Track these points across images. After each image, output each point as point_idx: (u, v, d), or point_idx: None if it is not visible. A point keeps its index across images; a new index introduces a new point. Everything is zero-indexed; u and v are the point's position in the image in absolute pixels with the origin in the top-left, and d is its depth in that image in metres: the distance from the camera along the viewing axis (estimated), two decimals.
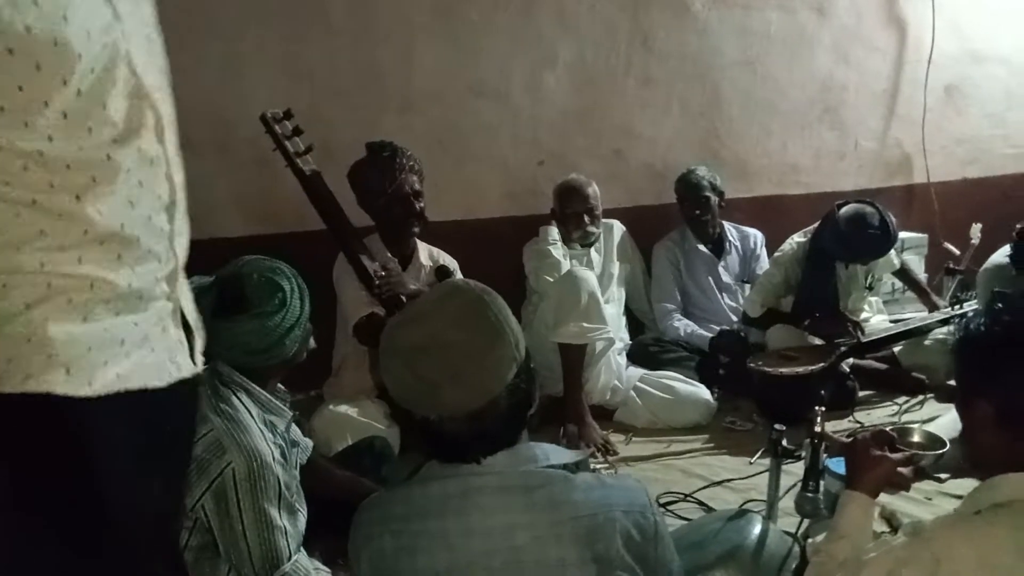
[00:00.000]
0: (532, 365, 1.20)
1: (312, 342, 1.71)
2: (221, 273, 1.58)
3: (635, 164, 3.71)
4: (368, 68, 3.13)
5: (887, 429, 1.56)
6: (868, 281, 3.39)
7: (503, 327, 1.14)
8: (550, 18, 3.42)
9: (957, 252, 3.89)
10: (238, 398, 1.56)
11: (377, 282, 2.55)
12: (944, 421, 2.64)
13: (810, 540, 1.49)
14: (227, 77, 2.92)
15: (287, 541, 1.53)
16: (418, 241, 2.91)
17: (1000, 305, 1.19)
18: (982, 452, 1.21)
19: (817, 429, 1.72)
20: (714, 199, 3.48)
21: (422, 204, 2.78)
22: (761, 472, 2.58)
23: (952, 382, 3.15)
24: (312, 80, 3.03)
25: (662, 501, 2.42)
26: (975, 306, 3.22)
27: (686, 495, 2.46)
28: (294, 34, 3.01)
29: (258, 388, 1.60)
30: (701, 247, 3.56)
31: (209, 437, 1.48)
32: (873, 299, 3.59)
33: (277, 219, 2.99)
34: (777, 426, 1.92)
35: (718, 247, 3.59)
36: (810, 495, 1.71)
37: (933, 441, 2.17)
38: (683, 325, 3.46)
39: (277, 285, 1.56)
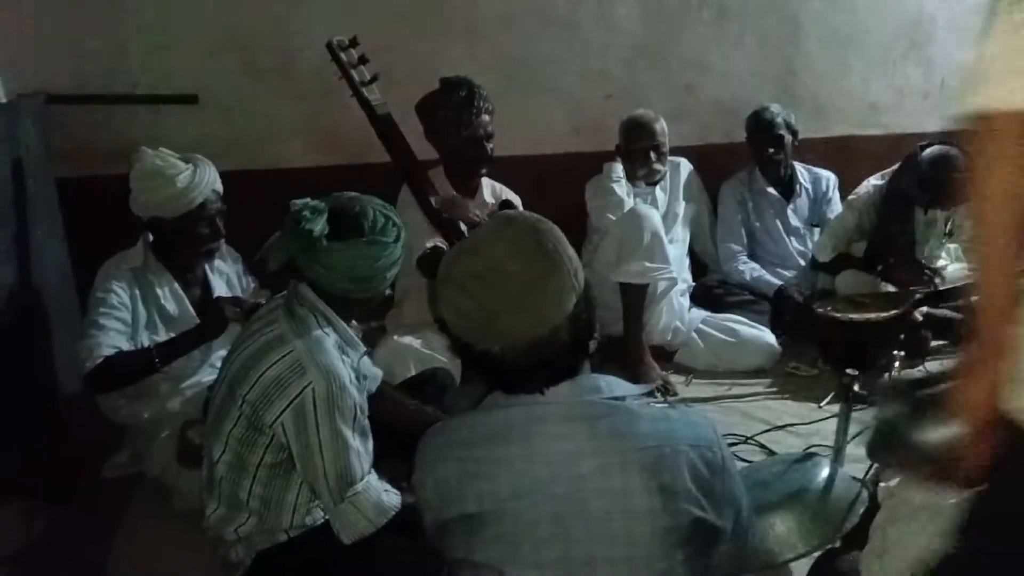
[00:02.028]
0: (592, 294, 1.17)
1: (389, 290, 1.73)
2: (333, 200, 1.60)
3: (705, 100, 3.58)
4: None
5: None
6: (948, 227, 3.24)
7: (560, 256, 1.12)
8: None
9: None
10: (317, 323, 1.58)
11: (437, 204, 2.54)
12: None
13: (882, 484, 1.45)
14: (290, 6, 2.89)
15: (360, 461, 1.55)
16: (482, 178, 2.88)
17: None
18: None
19: (894, 374, 1.66)
20: (788, 138, 3.34)
21: (492, 146, 2.75)
22: (824, 418, 2.54)
23: None
24: (376, 7, 2.99)
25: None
26: None
27: (747, 437, 2.44)
28: None
29: (337, 317, 1.61)
30: (770, 189, 3.44)
31: (289, 357, 1.50)
32: (952, 246, 3.43)
33: (340, 150, 3.00)
34: (849, 370, 1.86)
35: (788, 189, 3.46)
36: None
37: None
38: (748, 269, 3.37)
39: (394, 219, 1.61)
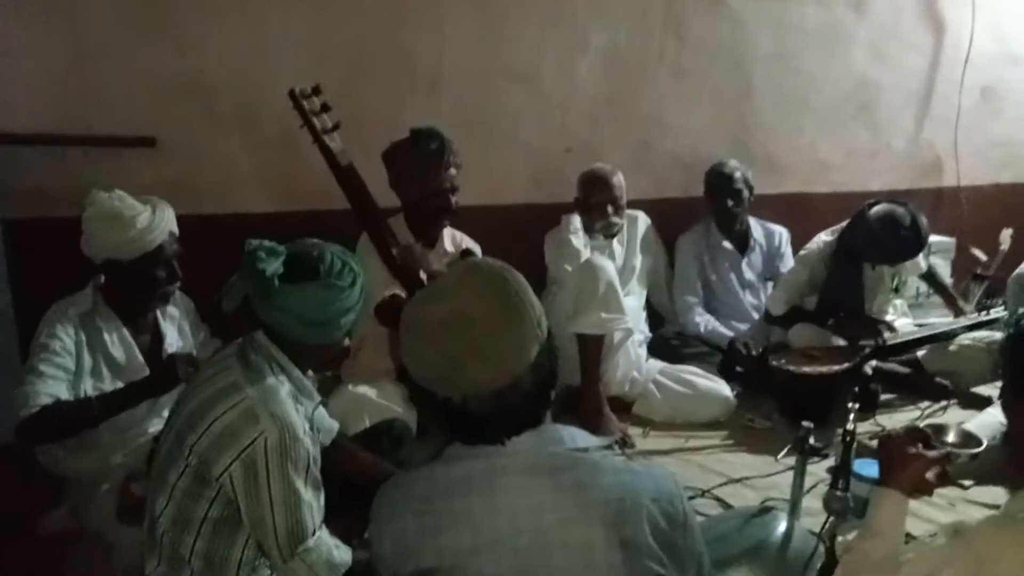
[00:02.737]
0: (554, 343, 1.17)
1: (348, 340, 1.70)
2: (292, 244, 1.59)
3: (663, 155, 3.66)
4: (398, 48, 3.10)
5: (922, 426, 1.52)
6: (894, 283, 3.34)
7: (524, 305, 1.12)
8: (584, 2, 3.37)
9: (984, 257, 3.83)
10: (271, 371, 1.54)
11: (396, 254, 2.53)
12: (972, 425, 2.59)
13: (840, 539, 1.46)
14: (254, 55, 2.89)
15: (312, 515, 1.51)
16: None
17: None
18: None
19: (849, 427, 1.68)
20: (746, 192, 3.42)
21: (457, 198, 2.76)
22: (780, 471, 2.55)
23: (975, 389, 3.14)
24: (341, 59, 3.00)
25: None
26: (1002, 313, 3.17)
27: (704, 491, 2.43)
28: (323, 13, 2.97)
29: (292, 365, 1.58)
30: (726, 243, 3.50)
31: (242, 406, 1.46)
32: (898, 302, 3.53)
33: (300, 196, 2.97)
34: (805, 423, 1.88)
35: (742, 243, 3.54)
36: (839, 493, 1.68)
37: (968, 440, 2.12)
38: (704, 321, 3.42)
39: (352, 265, 1.59)
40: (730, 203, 3.40)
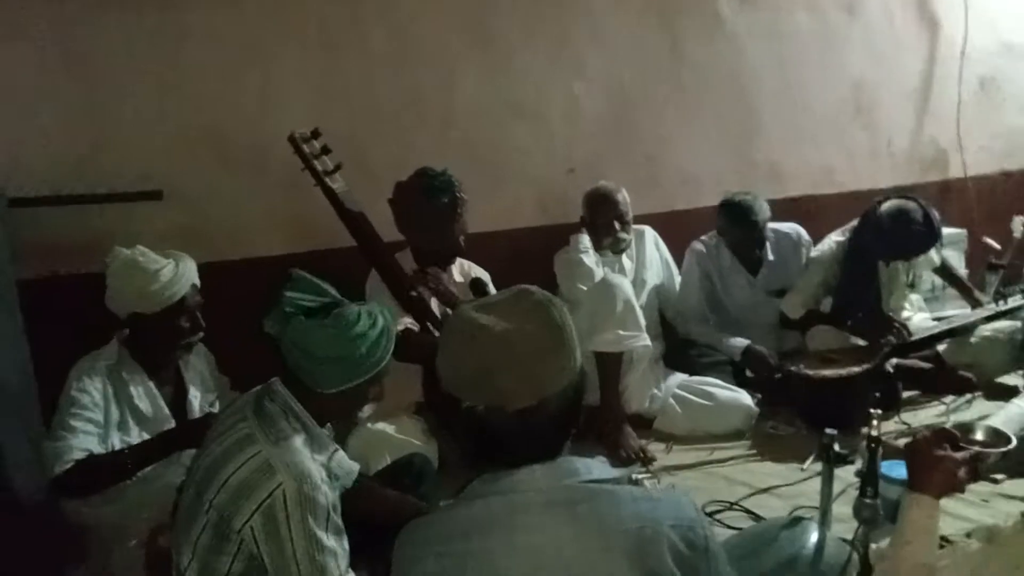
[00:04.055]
0: (584, 383, 1.18)
1: (371, 394, 1.69)
2: (328, 289, 1.62)
3: (667, 169, 3.67)
4: (408, 91, 3.15)
5: (948, 427, 1.50)
6: (909, 279, 3.30)
7: (568, 335, 1.14)
8: (583, 34, 3.42)
9: (998, 247, 3.81)
10: (287, 420, 1.55)
11: (412, 279, 2.58)
12: (999, 419, 2.56)
13: (873, 547, 1.44)
14: (261, 98, 2.93)
15: (337, 562, 1.50)
16: None
17: None
18: None
19: (873, 432, 1.66)
20: (767, 233, 3.31)
21: (464, 238, 2.78)
22: (807, 478, 2.53)
23: (999, 379, 3.10)
24: (349, 101, 3.04)
25: (708, 510, 2.37)
26: (1021, 301, 3.14)
27: (732, 503, 2.41)
28: (331, 56, 3.02)
29: (308, 415, 1.58)
30: (738, 265, 3.39)
31: (257, 459, 1.46)
32: (914, 297, 3.50)
33: (310, 237, 2.99)
34: (828, 430, 1.86)
35: (755, 265, 3.40)
36: (868, 501, 1.65)
37: (997, 437, 2.08)
38: (701, 331, 3.36)
39: (376, 314, 1.60)
40: (754, 249, 3.31)
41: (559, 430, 1.15)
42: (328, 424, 1.70)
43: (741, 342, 3.23)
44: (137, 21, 2.71)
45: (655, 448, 2.89)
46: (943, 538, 1.52)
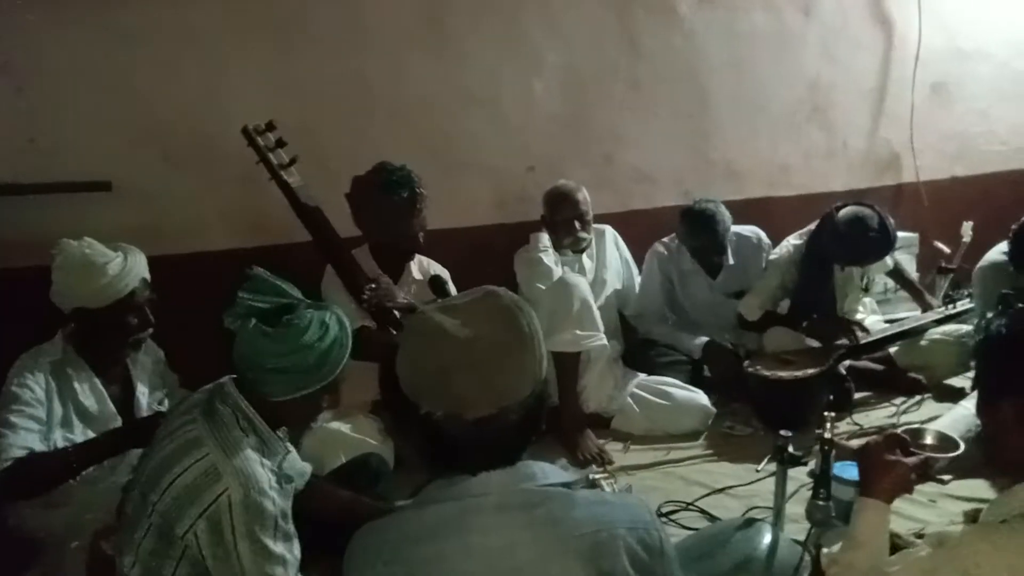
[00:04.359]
0: (547, 392, 1.16)
1: (324, 402, 1.65)
2: (287, 290, 1.56)
3: (624, 168, 3.67)
4: (356, 78, 3.08)
5: (898, 432, 1.52)
6: (864, 282, 3.37)
7: (533, 341, 1.11)
8: (537, 23, 3.39)
9: (948, 251, 3.89)
10: (237, 423, 1.51)
11: (366, 295, 2.50)
12: (946, 421, 2.62)
13: (825, 551, 1.45)
14: (208, 91, 2.85)
15: (285, 570, 1.47)
16: None
17: (1021, 305, 1.16)
18: (1010, 454, 1.18)
19: (827, 435, 1.68)
20: (728, 238, 3.34)
21: (423, 235, 2.75)
22: (762, 478, 2.55)
23: (948, 381, 3.17)
24: (298, 91, 2.97)
25: (664, 510, 2.38)
26: (969, 305, 3.22)
27: (688, 504, 2.43)
28: (277, 47, 2.95)
29: (258, 418, 1.54)
30: (697, 268, 3.43)
31: (204, 462, 1.42)
32: (867, 300, 3.57)
33: (264, 231, 2.93)
34: (783, 432, 1.88)
35: (715, 268, 3.44)
36: (821, 503, 1.67)
37: (946, 442, 2.13)
38: (662, 332, 3.40)
39: (327, 330, 1.54)
40: (715, 256, 3.34)
41: (518, 438, 1.13)
42: (285, 434, 1.66)
43: (702, 339, 3.27)
44: (75, 19, 2.62)
45: (612, 448, 2.89)
46: (892, 534, 1.54)
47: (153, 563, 1.45)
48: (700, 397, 3.05)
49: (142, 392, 2.21)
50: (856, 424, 2.95)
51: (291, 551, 1.51)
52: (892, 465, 1.39)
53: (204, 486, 1.40)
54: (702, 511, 2.40)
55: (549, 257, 3.09)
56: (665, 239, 3.48)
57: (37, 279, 2.05)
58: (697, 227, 3.28)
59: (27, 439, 1.89)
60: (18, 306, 2.19)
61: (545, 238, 3.15)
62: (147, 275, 2.12)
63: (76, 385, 2.06)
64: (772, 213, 3.83)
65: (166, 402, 2.24)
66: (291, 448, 1.69)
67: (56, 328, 2.10)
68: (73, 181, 2.67)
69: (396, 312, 2.59)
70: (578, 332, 2.83)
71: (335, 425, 2.52)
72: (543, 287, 2.98)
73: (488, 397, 1.08)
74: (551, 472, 1.15)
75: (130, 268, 2.04)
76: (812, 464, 2.31)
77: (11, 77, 2.60)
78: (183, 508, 1.40)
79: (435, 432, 1.10)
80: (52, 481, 1.90)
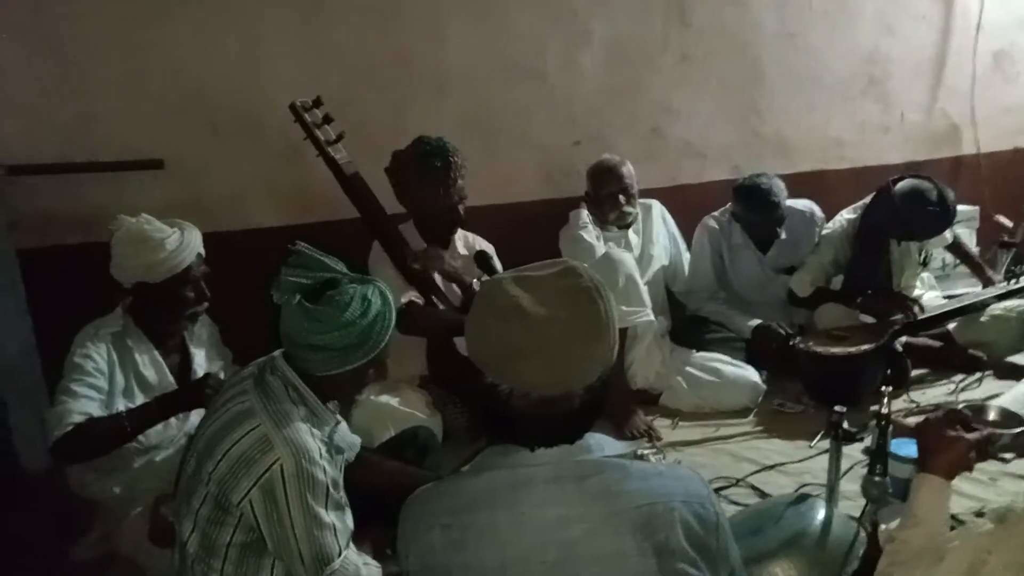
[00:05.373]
0: (614, 377, 1.14)
1: (372, 374, 1.64)
2: (331, 264, 1.56)
3: (673, 142, 3.61)
4: (398, 50, 3.07)
5: (960, 407, 1.48)
6: (922, 257, 3.27)
7: (608, 328, 1.09)
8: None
9: (1010, 224, 3.76)
10: (288, 395, 1.52)
11: (415, 263, 2.51)
12: (1008, 398, 2.54)
13: (883, 527, 1.42)
14: (250, 63, 2.86)
15: (336, 538, 1.49)
16: None
17: None
18: None
19: (883, 411, 1.63)
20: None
21: (464, 206, 2.74)
22: (814, 455, 2.51)
23: (1009, 359, 3.07)
24: (339, 66, 2.98)
25: (714, 487, 2.35)
26: None
27: (738, 480, 2.40)
28: (317, 19, 2.95)
29: (308, 391, 1.55)
30: (749, 243, 3.34)
31: (256, 432, 1.44)
32: (925, 275, 3.46)
33: (310, 208, 2.96)
34: (837, 408, 1.84)
35: (767, 243, 3.35)
36: (877, 479, 1.64)
37: (1009, 418, 2.06)
38: (713, 309, 3.33)
39: (369, 305, 1.53)
40: (772, 233, 3.25)
41: (581, 419, 1.12)
42: (336, 406, 1.68)
43: (754, 321, 3.19)
44: None
45: (661, 424, 2.87)
46: (952, 516, 1.50)
47: (211, 529, 1.48)
48: (750, 373, 3.00)
49: (199, 364, 2.26)
50: (913, 402, 2.87)
51: (343, 520, 1.52)
52: (952, 441, 1.35)
53: (257, 456, 1.42)
54: (753, 487, 2.36)
55: (589, 233, 3.06)
56: (716, 212, 3.40)
57: (91, 255, 2.10)
58: (753, 202, 3.19)
59: (87, 406, 1.95)
60: (75, 283, 2.24)
61: (584, 214, 3.12)
62: (202, 250, 2.16)
63: (136, 356, 2.11)
64: (824, 187, 3.73)
65: (223, 375, 2.29)
66: (341, 419, 1.70)
67: (111, 303, 2.15)
68: (126, 160, 2.73)
69: (441, 287, 2.60)
70: (624, 308, 2.80)
71: (384, 398, 2.54)
72: (586, 264, 2.93)
73: (556, 381, 1.06)
74: (607, 444, 1.13)
75: (187, 243, 2.08)
76: (867, 441, 2.28)
77: (59, 59, 2.65)
78: (238, 477, 1.42)
79: (497, 403, 1.09)
80: (108, 444, 1.96)
